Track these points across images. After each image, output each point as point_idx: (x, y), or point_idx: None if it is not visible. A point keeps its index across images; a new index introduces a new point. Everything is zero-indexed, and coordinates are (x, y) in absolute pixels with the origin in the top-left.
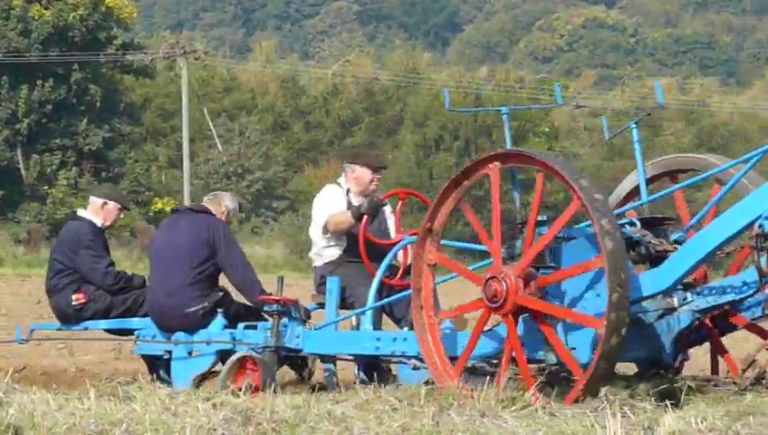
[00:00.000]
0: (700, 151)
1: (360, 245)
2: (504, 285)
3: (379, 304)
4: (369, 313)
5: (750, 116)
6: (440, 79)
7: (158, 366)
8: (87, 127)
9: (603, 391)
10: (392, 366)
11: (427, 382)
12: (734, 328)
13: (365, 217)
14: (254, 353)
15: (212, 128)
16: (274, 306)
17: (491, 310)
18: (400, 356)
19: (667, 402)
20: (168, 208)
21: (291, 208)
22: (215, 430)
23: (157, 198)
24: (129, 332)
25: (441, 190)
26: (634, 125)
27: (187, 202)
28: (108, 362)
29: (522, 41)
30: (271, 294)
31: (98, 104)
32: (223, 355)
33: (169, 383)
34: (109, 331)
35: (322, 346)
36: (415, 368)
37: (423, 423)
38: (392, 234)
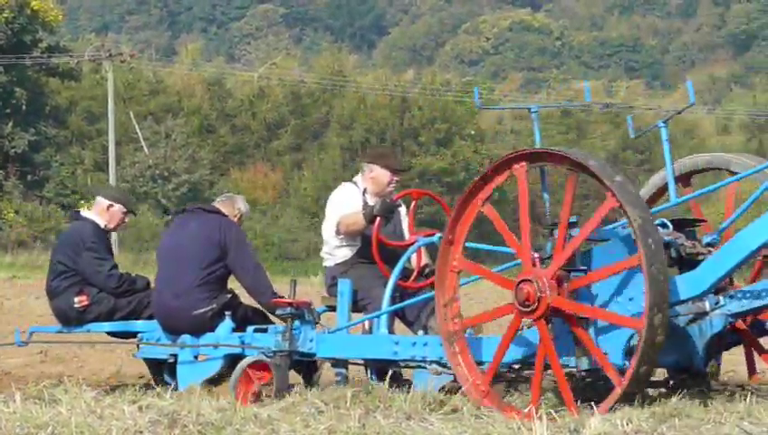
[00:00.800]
0: (625, 154)
1: (374, 247)
2: (537, 287)
3: (395, 307)
4: (384, 316)
5: (675, 119)
6: (366, 82)
7: (163, 370)
8: (12, 130)
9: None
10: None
11: (443, 388)
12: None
13: (378, 218)
14: (265, 358)
15: (138, 131)
16: (288, 309)
17: (522, 314)
18: (420, 361)
19: (593, 404)
20: None
21: None
22: (141, 432)
23: (83, 201)
24: (132, 334)
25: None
26: (662, 124)
27: None
28: (34, 365)
29: (448, 44)
30: (282, 297)
31: (23, 107)
32: (232, 359)
33: (175, 388)
34: (111, 333)
35: (337, 350)
36: (436, 373)
37: (349, 426)
38: (406, 235)
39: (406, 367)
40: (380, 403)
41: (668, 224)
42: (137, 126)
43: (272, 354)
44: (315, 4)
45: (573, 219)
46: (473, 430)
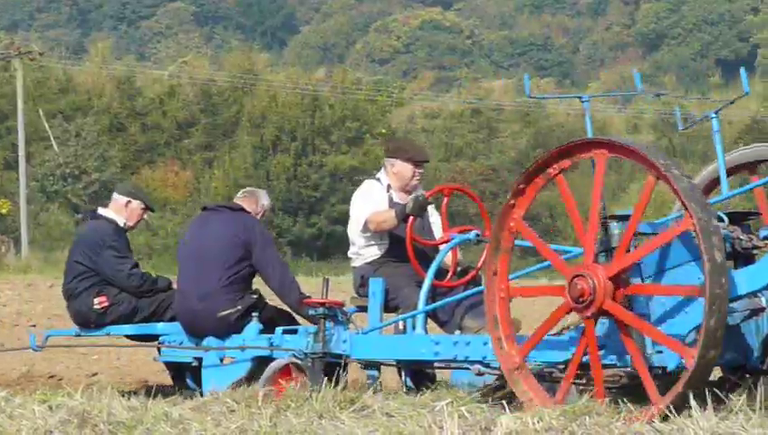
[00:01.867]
0: (537, 153)
1: (408, 247)
2: (593, 285)
3: (432, 306)
4: (420, 316)
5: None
6: (277, 80)
7: (185, 375)
8: None
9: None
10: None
11: (485, 388)
12: None
13: (411, 217)
14: (298, 361)
15: (48, 129)
16: (320, 309)
17: (573, 308)
18: (463, 362)
19: (504, 403)
20: (3, 211)
21: None
22: (51, 432)
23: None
24: (153, 337)
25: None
26: (714, 115)
27: (23, 204)
28: None
29: (359, 42)
30: (309, 297)
31: None
32: (260, 362)
33: (200, 393)
34: (131, 337)
35: (372, 351)
36: (479, 374)
37: (261, 425)
38: (436, 232)
39: (445, 368)
40: (292, 402)
41: (724, 217)
42: (47, 124)
43: (303, 356)
44: (226, 3)
45: (624, 212)
46: (384, 428)
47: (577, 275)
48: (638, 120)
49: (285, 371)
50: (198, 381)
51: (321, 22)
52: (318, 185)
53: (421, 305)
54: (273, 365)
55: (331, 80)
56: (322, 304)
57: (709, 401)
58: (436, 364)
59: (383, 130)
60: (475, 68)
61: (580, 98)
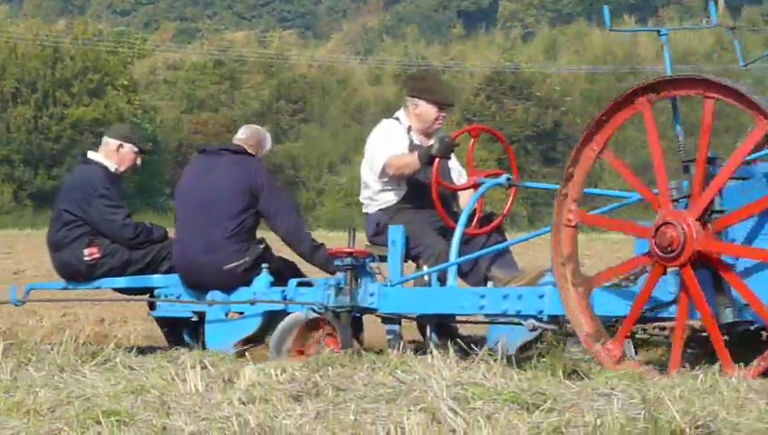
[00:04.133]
0: (279, 104)
1: (434, 192)
2: (682, 230)
3: (465, 258)
4: (453, 268)
5: (328, 68)
6: (17, 32)
7: (179, 330)
8: None
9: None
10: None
11: (524, 345)
12: None
13: (437, 160)
14: (328, 315)
15: None
16: (347, 260)
17: (664, 261)
18: (514, 316)
19: (248, 355)
20: None
21: None
22: None
23: None
24: (147, 290)
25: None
26: None
27: None
28: None
29: None
30: (323, 245)
31: None
32: (270, 317)
33: (202, 347)
34: (122, 290)
35: (404, 305)
36: (533, 329)
37: (0, 379)
38: (455, 177)
39: (489, 322)
40: (33, 355)
41: None
42: None
43: (323, 310)
44: None
45: (711, 155)
46: (126, 381)
47: (662, 225)
48: (380, 71)
49: (312, 326)
50: (197, 337)
51: None
52: (59, 137)
53: (453, 257)
54: (290, 320)
55: (71, 31)
56: (349, 254)
57: (451, 351)
58: (481, 318)
59: (125, 82)
60: (218, 19)
61: (658, 31)
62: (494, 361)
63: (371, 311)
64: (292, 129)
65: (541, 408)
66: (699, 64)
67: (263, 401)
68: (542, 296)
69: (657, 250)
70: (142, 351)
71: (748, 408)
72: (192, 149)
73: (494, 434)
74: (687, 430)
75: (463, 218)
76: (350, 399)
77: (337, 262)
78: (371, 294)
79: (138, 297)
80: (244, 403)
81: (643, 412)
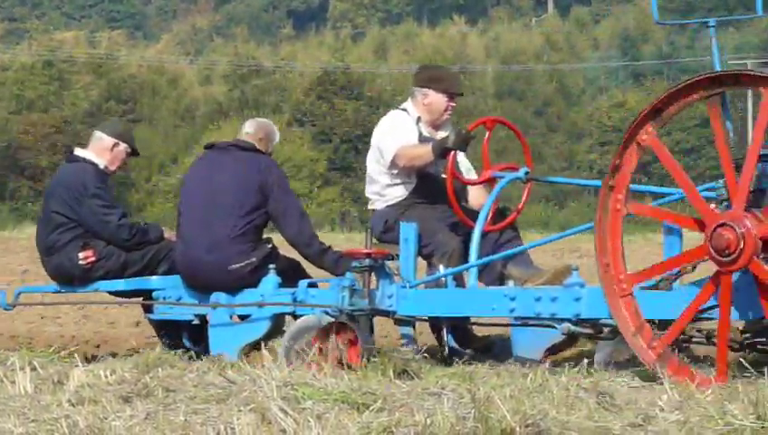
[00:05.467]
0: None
1: (449, 187)
2: (742, 236)
3: (490, 259)
4: (474, 269)
5: (157, 68)
6: None
7: (177, 334)
8: None
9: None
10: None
11: (551, 348)
12: None
13: (452, 152)
14: (331, 318)
15: None
16: (366, 261)
17: (722, 265)
18: (547, 319)
19: (76, 356)
20: None
21: None
22: None
23: None
24: (143, 293)
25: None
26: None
27: None
28: None
29: None
30: (330, 247)
31: None
32: (277, 321)
33: (196, 353)
34: (116, 293)
35: (426, 308)
36: (569, 332)
37: None
38: (464, 172)
39: (519, 325)
40: None
41: None
42: None
43: (337, 313)
44: None
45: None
46: None
47: (720, 226)
48: (210, 72)
49: (329, 332)
50: (197, 341)
51: None
52: None
53: (473, 257)
54: (300, 324)
55: None
56: (368, 255)
57: (281, 352)
58: (510, 321)
59: None
60: (47, 20)
61: (706, 23)
62: (325, 361)
63: (389, 314)
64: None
65: (371, 408)
66: (530, 64)
67: (92, 402)
68: (578, 299)
69: (712, 250)
70: None
71: (578, 406)
72: (23, 150)
73: (323, 434)
74: (517, 428)
75: (483, 216)
76: (180, 400)
77: (354, 263)
78: (389, 296)
79: (134, 300)
80: (73, 405)
81: (473, 411)
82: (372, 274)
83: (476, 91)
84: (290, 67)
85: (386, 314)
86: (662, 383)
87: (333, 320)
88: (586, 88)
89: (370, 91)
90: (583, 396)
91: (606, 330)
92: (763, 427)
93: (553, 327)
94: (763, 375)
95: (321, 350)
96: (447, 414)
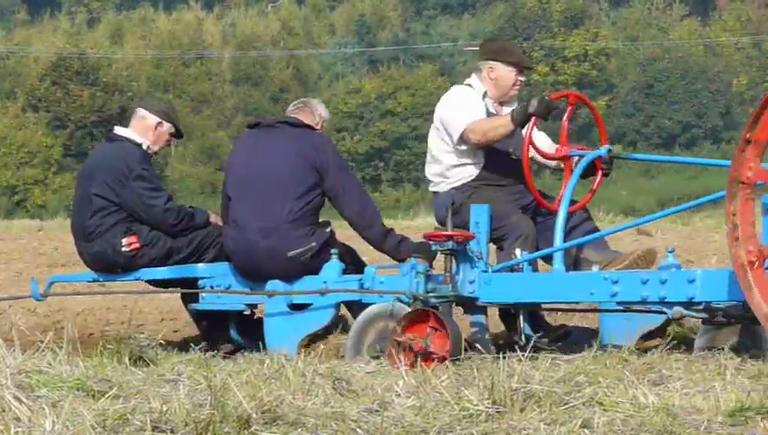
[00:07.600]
0: None
1: (524, 158)
2: None
3: (574, 242)
4: (560, 253)
5: None
6: None
7: (223, 326)
8: None
9: None
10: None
11: (648, 333)
12: None
13: (533, 119)
14: (405, 305)
15: None
16: (448, 244)
17: None
18: (654, 303)
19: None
20: None
21: None
22: None
23: None
24: (190, 281)
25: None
26: None
27: None
28: None
29: None
30: (392, 230)
31: None
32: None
33: (243, 346)
34: (156, 283)
35: (512, 294)
36: (680, 317)
37: None
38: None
39: (624, 310)
40: None
41: None
42: None
43: (410, 300)
44: None
45: None
46: None
47: None
48: None
49: (412, 320)
50: (245, 333)
51: None
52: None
53: (558, 241)
54: (369, 313)
55: None
56: (450, 238)
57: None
58: (613, 307)
59: None
60: None
61: None
62: (60, 348)
63: (472, 300)
64: None
65: (107, 395)
66: (266, 49)
67: None
68: (692, 281)
69: None
70: None
71: (314, 392)
72: None
73: (58, 422)
74: (254, 414)
75: (565, 199)
76: None
77: (435, 247)
78: (471, 282)
79: (179, 289)
80: None
81: (209, 398)
82: (454, 258)
83: (213, 76)
84: (24, 53)
85: (468, 300)
86: (398, 369)
87: (412, 308)
88: (323, 74)
89: (106, 76)
90: (320, 382)
91: (719, 314)
92: (498, 411)
93: (659, 312)
94: (498, 359)
95: (398, 342)
96: (183, 401)
